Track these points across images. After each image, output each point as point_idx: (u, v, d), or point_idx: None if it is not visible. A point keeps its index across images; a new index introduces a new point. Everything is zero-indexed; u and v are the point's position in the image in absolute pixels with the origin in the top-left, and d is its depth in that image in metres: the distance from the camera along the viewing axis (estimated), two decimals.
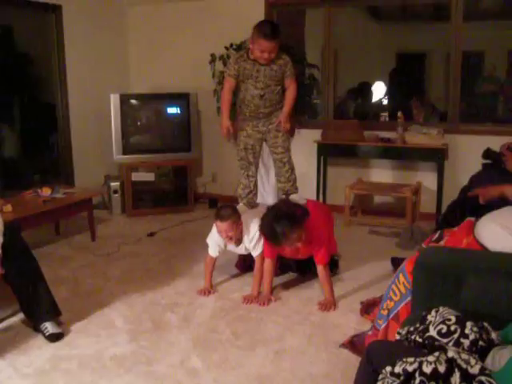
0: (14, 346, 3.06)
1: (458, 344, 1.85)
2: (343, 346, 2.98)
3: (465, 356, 1.74)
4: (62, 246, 4.89)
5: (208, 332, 3.21)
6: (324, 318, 3.37)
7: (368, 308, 3.36)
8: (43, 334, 3.13)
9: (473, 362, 1.70)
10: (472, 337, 1.86)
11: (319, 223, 3.64)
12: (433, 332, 1.94)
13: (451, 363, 1.72)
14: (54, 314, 3.21)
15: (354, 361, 2.73)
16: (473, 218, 2.76)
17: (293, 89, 3.96)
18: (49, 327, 3.14)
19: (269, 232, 3.39)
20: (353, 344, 2.95)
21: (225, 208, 3.66)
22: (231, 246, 3.77)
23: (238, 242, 3.70)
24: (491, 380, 1.64)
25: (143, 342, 3.09)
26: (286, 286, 3.89)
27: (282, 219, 3.33)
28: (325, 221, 3.80)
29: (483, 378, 1.64)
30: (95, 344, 3.09)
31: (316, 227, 3.56)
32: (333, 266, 3.95)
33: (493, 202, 2.94)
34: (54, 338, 3.12)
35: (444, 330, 1.91)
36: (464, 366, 1.71)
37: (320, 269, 3.56)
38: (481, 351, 1.84)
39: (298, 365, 2.83)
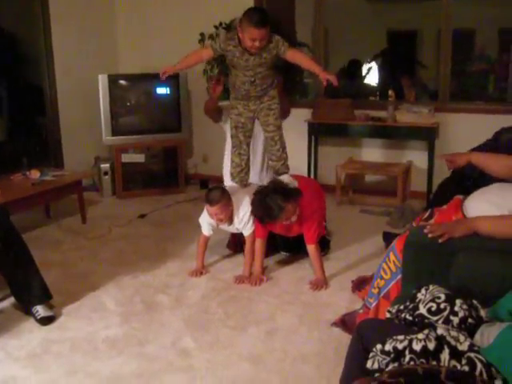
0: (5, 329, 3.06)
1: (447, 322, 1.87)
2: (334, 324, 3.00)
3: (454, 333, 1.75)
4: (53, 229, 4.87)
5: (200, 313, 3.22)
6: (315, 297, 3.38)
7: (359, 285, 3.37)
8: (35, 318, 3.12)
9: (462, 338, 1.72)
10: (461, 314, 1.87)
11: (312, 201, 3.65)
12: (423, 310, 1.96)
13: (440, 340, 1.73)
14: (44, 297, 3.20)
15: (345, 339, 2.73)
16: (461, 196, 2.76)
17: (300, 54, 3.81)
18: (40, 310, 3.13)
19: (262, 208, 3.40)
20: (344, 323, 2.96)
21: (214, 191, 3.62)
22: (223, 226, 3.77)
23: (230, 221, 3.70)
24: (480, 356, 1.65)
25: (135, 323, 3.09)
26: (277, 265, 3.90)
27: (276, 193, 3.38)
28: (317, 199, 3.81)
29: (472, 355, 1.66)
30: (87, 326, 3.09)
31: (308, 205, 3.56)
32: (324, 246, 3.96)
33: (464, 171, 2.88)
34: (46, 321, 3.11)
35: (434, 308, 1.93)
36: (453, 343, 1.72)
37: (311, 248, 3.56)
38: (470, 328, 1.85)
39: (289, 344, 2.85)
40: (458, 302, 1.90)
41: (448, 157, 2.88)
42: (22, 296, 3.20)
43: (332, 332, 2.95)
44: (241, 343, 2.87)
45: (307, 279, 3.62)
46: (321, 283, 3.51)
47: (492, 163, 2.67)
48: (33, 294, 3.17)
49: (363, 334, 1.96)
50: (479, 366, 1.63)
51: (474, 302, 1.94)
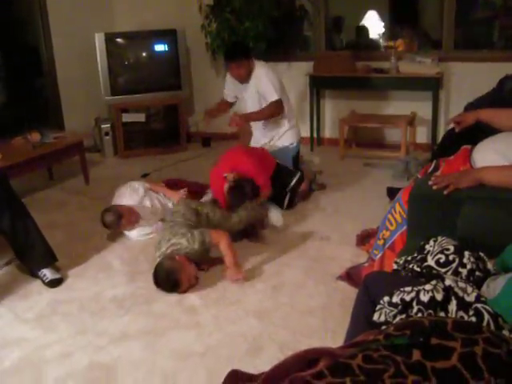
0: (13, 292, 3.08)
1: (456, 273, 1.85)
2: (340, 278, 3.00)
3: (462, 284, 1.74)
4: (56, 191, 4.86)
5: (205, 270, 3.22)
6: (321, 252, 3.38)
7: (364, 239, 3.37)
8: (42, 281, 3.14)
9: (469, 290, 1.71)
10: (469, 266, 1.86)
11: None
12: (431, 261, 1.94)
13: (448, 291, 1.72)
14: (50, 260, 3.21)
15: (351, 293, 2.74)
16: (469, 146, 2.71)
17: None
18: (47, 274, 3.14)
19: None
20: (349, 276, 2.97)
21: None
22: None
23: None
24: (487, 307, 1.65)
25: (141, 282, 3.10)
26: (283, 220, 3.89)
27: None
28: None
29: (479, 306, 1.65)
30: (94, 287, 3.11)
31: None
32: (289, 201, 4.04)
33: (470, 130, 2.82)
34: (54, 283, 3.13)
35: (442, 260, 1.91)
36: (461, 294, 1.71)
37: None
38: (477, 281, 1.84)
39: (296, 298, 2.86)
40: (467, 253, 1.89)
41: (455, 118, 2.81)
42: (27, 260, 3.21)
43: (338, 286, 2.95)
44: (247, 299, 2.88)
45: (313, 234, 3.62)
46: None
47: (503, 118, 2.58)
48: (37, 258, 3.18)
49: (370, 286, 1.95)
50: (486, 316, 1.63)
51: (481, 254, 1.92)
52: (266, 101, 4.25)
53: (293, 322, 2.65)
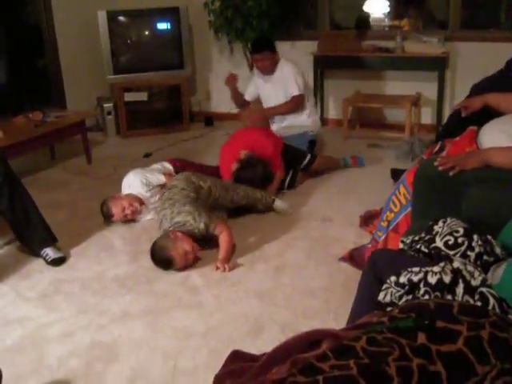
0: (15, 271, 3.08)
1: (464, 256, 1.83)
2: (343, 259, 2.99)
3: (470, 268, 1.72)
4: (58, 170, 4.85)
5: (208, 251, 3.21)
6: (323, 233, 3.37)
7: (367, 220, 3.35)
8: (45, 260, 3.13)
9: (476, 274, 1.69)
10: (477, 250, 1.83)
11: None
12: (439, 243, 1.91)
13: (456, 274, 1.70)
14: (50, 239, 3.20)
15: (353, 274, 2.74)
16: (475, 127, 2.68)
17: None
18: (50, 253, 3.13)
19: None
20: (352, 257, 2.95)
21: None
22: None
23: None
24: (492, 291, 1.63)
25: (143, 262, 3.09)
26: (284, 200, 3.86)
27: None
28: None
29: (484, 290, 1.64)
30: (96, 266, 3.10)
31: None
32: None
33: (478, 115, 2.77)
34: (57, 262, 3.12)
35: (451, 242, 1.88)
36: (468, 277, 1.69)
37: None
38: (484, 265, 1.81)
39: (297, 279, 2.85)
40: (475, 237, 1.86)
41: (462, 103, 2.76)
42: (27, 240, 3.20)
43: (340, 267, 2.94)
44: (249, 279, 2.87)
45: (315, 215, 3.60)
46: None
47: None
48: (38, 237, 3.16)
49: (377, 262, 1.93)
50: (492, 300, 1.61)
51: (489, 237, 1.89)
52: (287, 94, 4.50)
53: (294, 302, 2.64)
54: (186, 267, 2.98)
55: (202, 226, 3.03)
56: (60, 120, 4.70)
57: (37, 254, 3.18)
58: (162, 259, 2.95)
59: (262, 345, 2.27)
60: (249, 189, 3.53)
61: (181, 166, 3.94)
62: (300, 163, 4.12)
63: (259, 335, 2.40)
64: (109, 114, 5.81)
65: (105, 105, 5.81)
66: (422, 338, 1.25)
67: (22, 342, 2.45)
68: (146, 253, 3.17)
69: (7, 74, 6.26)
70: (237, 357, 1.99)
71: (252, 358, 1.94)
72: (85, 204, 3.99)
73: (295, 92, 4.47)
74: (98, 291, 2.84)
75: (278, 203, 3.67)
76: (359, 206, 3.61)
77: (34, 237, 3.16)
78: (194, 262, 3.04)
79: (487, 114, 2.78)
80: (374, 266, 1.91)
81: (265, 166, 3.72)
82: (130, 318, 2.58)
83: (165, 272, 2.97)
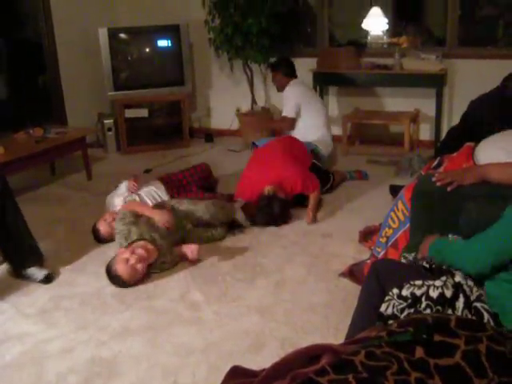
0: (15, 287, 3.07)
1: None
2: (342, 275, 2.99)
3: (470, 283, 1.74)
4: (58, 186, 4.86)
5: (207, 266, 3.22)
6: (323, 249, 3.37)
7: (366, 236, 3.36)
8: (33, 280, 3.08)
9: (474, 289, 1.70)
10: None
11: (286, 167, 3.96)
12: None
13: (457, 288, 1.72)
14: (37, 258, 3.17)
15: (353, 289, 2.74)
16: (472, 143, 2.70)
17: None
18: (36, 272, 3.10)
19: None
20: (352, 273, 2.96)
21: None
22: None
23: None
24: (486, 306, 1.65)
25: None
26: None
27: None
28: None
29: (478, 305, 1.67)
30: (95, 282, 3.10)
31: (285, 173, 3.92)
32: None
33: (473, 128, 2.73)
34: (49, 279, 3.10)
35: None
36: (468, 292, 1.71)
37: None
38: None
39: (298, 295, 2.85)
40: None
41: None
42: (12, 256, 3.14)
43: (340, 282, 2.94)
44: (249, 295, 2.87)
45: (315, 231, 3.61)
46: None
47: None
48: (25, 255, 3.11)
49: (380, 272, 1.93)
50: (486, 315, 1.63)
51: None
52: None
53: (295, 318, 2.64)
54: (143, 276, 3.04)
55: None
56: (61, 136, 4.72)
57: (20, 275, 3.13)
58: (110, 276, 3.03)
59: (261, 361, 2.26)
60: (211, 206, 3.53)
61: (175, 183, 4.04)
62: (324, 185, 4.17)
63: (259, 351, 2.40)
64: (109, 130, 5.84)
65: (105, 121, 5.84)
66: (419, 352, 1.26)
67: (21, 358, 2.45)
68: None
69: (8, 90, 6.31)
70: (236, 373, 1.99)
71: (251, 373, 1.94)
72: (85, 220, 3.98)
73: (283, 113, 4.85)
74: (97, 307, 2.84)
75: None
76: (359, 222, 3.62)
77: (21, 254, 3.11)
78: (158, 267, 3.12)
79: (483, 129, 2.81)
80: (376, 275, 1.92)
81: (284, 208, 3.74)
82: (130, 334, 2.58)
83: (164, 288, 2.97)
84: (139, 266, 2.99)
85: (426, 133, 5.43)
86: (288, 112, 4.76)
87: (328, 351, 1.48)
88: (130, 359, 2.39)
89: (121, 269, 2.96)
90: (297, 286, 2.95)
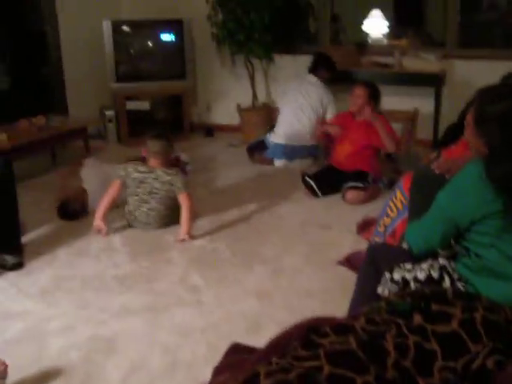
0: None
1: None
2: (340, 263, 3.04)
3: (453, 265, 1.80)
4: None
5: (207, 252, 3.26)
6: (321, 239, 3.42)
7: (364, 227, 3.40)
8: (3, 267, 3.05)
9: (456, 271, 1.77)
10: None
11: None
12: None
13: (442, 270, 1.78)
14: (13, 249, 3.13)
15: (351, 277, 2.76)
16: None
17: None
18: (7, 258, 3.07)
19: None
20: (350, 261, 3.00)
21: None
22: None
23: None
24: (464, 285, 1.71)
25: (143, 262, 3.14)
26: (283, 207, 3.92)
27: None
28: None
29: (459, 284, 1.72)
30: (96, 264, 3.14)
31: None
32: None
33: None
34: (16, 266, 3.07)
35: None
36: (452, 272, 1.77)
37: None
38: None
39: (295, 281, 2.90)
40: None
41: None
42: None
43: (337, 271, 2.99)
44: (247, 280, 2.92)
45: (313, 222, 3.66)
46: None
47: None
48: (3, 240, 3.08)
49: (376, 255, 1.99)
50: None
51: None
52: None
53: (292, 303, 2.69)
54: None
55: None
56: (62, 125, 4.76)
57: None
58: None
59: (259, 342, 2.29)
60: None
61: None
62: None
63: (257, 333, 2.43)
64: (110, 121, 5.87)
65: (107, 112, 5.88)
66: (418, 319, 1.31)
67: (23, 334, 2.49)
68: (146, 254, 3.23)
69: (11, 80, 6.33)
70: (236, 349, 2.04)
71: (251, 350, 1.98)
72: None
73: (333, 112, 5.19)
74: (98, 288, 2.88)
75: None
76: (356, 213, 3.67)
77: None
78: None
79: None
80: (373, 259, 1.97)
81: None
82: (130, 314, 2.62)
83: (164, 272, 3.02)
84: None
85: (424, 132, 5.48)
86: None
87: (329, 323, 1.52)
88: (130, 337, 2.43)
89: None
90: (295, 273, 3.00)
